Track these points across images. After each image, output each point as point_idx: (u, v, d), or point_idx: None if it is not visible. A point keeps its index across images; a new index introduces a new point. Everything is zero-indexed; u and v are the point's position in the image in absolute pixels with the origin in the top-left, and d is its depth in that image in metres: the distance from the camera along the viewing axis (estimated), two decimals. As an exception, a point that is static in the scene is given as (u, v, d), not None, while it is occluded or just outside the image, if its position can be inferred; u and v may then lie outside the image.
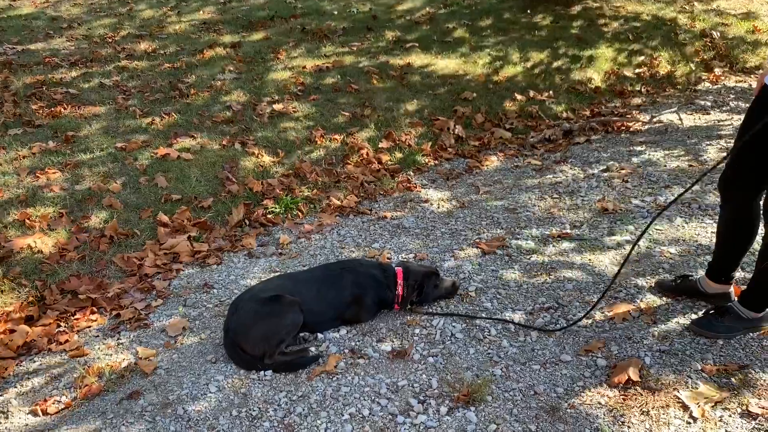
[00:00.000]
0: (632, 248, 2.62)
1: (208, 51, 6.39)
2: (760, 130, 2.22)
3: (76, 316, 3.06)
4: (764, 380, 2.30)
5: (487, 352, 2.56)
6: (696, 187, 3.55)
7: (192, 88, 5.44)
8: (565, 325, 2.68)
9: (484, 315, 2.79)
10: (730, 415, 2.16)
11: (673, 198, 3.07)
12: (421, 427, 2.20)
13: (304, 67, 5.86)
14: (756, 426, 2.11)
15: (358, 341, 2.69)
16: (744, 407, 2.19)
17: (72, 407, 2.44)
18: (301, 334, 2.70)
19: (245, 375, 2.52)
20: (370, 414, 2.27)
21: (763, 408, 2.17)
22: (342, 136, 4.70)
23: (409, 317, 2.82)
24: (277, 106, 5.07)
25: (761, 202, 2.44)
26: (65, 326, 2.99)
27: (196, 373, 2.55)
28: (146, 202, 3.92)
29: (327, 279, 2.78)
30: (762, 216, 2.45)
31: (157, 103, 5.19)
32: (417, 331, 2.73)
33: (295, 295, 2.66)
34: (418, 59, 6.05)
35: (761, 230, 2.51)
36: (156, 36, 7.04)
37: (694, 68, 6.31)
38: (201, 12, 8.06)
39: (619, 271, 2.65)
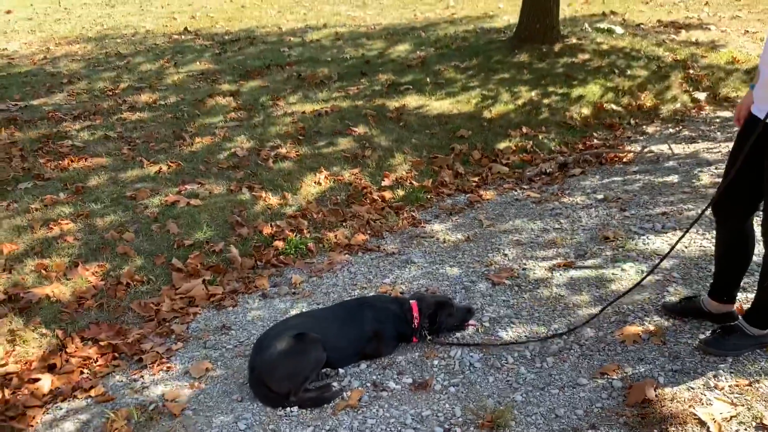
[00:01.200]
0: (640, 281, 2.74)
1: (209, 100, 6.57)
2: (747, 157, 2.37)
3: (98, 363, 3.12)
4: (775, 393, 2.40)
5: (506, 380, 2.65)
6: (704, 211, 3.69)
7: (196, 136, 5.58)
8: (568, 330, 2.78)
9: (499, 344, 2.88)
10: (745, 429, 2.25)
11: (686, 228, 3.19)
12: (450, 454, 2.27)
13: (304, 112, 6.03)
14: (771, 437, 2.20)
15: (379, 374, 2.77)
16: (758, 420, 2.28)
17: (104, 452, 2.49)
18: (324, 370, 2.78)
19: (272, 412, 2.58)
20: (398, 443, 2.34)
21: (777, 419, 2.27)
22: (345, 177, 4.83)
23: (427, 349, 2.90)
24: (281, 151, 5.21)
25: (759, 225, 2.56)
26: (88, 373, 3.05)
27: (224, 412, 2.61)
28: (159, 248, 4.00)
29: (347, 316, 2.87)
30: (762, 237, 2.57)
31: (163, 152, 5.32)
32: (436, 362, 2.81)
33: (317, 332, 2.75)
34: (412, 101, 6.25)
35: (762, 250, 2.63)
36: (156, 87, 7.22)
37: (678, 100, 6.55)
38: (197, 63, 8.28)
39: (629, 290, 2.77)
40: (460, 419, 2.43)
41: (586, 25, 8.97)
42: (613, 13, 10.28)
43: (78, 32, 11.11)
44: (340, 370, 2.81)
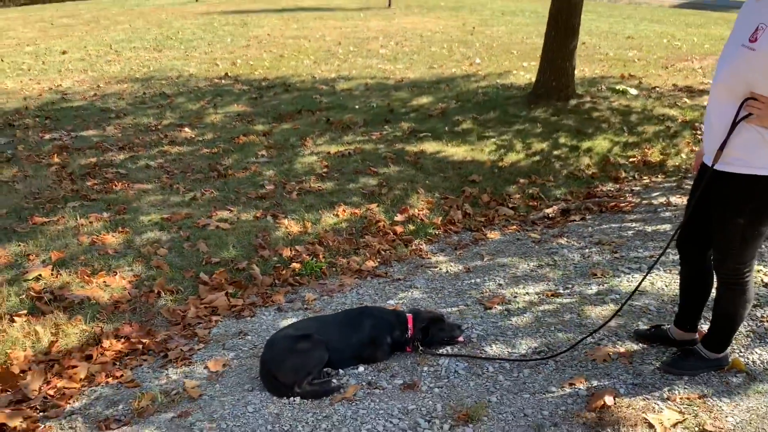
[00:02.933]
0: (614, 315, 3.08)
1: (243, 138, 7.14)
2: (700, 197, 2.74)
3: (128, 356, 3.53)
4: (720, 407, 2.70)
5: (485, 385, 2.99)
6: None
7: (229, 169, 6.11)
8: (548, 356, 3.11)
9: (483, 357, 3.22)
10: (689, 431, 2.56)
11: (652, 264, 3.53)
12: (428, 439, 2.61)
13: (329, 153, 6.54)
14: (710, 441, 2.50)
15: (374, 376, 3.13)
16: (701, 427, 2.59)
17: (130, 424, 2.87)
18: (325, 369, 3.15)
19: (277, 400, 2.95)
20: (384, 430, 2.69)
21: (717, 427, 2.57)
22: (361, 211, 5.27)
23: (418, 358, 3.26)
24: (305, 185, 5.69)
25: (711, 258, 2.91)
26: (119, 364, 3.47)
27: (235, 398, 2.99)
28: (189, 264, 4.46)
29: (349, 322, 3.26)
30: (715, 272, 2.90)
31: (198, 182, 5.84)
32: (425, 368, 3.16)
33: (322, 335, 3.13)
34: (430, 147, 6.73)
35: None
36: (195, 125, 7.83)
37: (684, 157, 6.90)
38: (235, 105, 8.92)
39: (610, 318, 3.13)
40: (440, 413, 2.77)
41: (603, 86, 9.44)
42: (631, 75, 10.75)
43: (126, 73, 11.94)
44: (340, 371, 3.17)
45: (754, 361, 3.05)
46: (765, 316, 3.45)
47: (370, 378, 3.11)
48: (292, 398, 2.95)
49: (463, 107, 8.21)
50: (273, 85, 10.50)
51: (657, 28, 19.69)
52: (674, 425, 2.60)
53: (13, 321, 3.71)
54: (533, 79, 9.73)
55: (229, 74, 11.61)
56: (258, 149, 6.77)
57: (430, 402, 2.87)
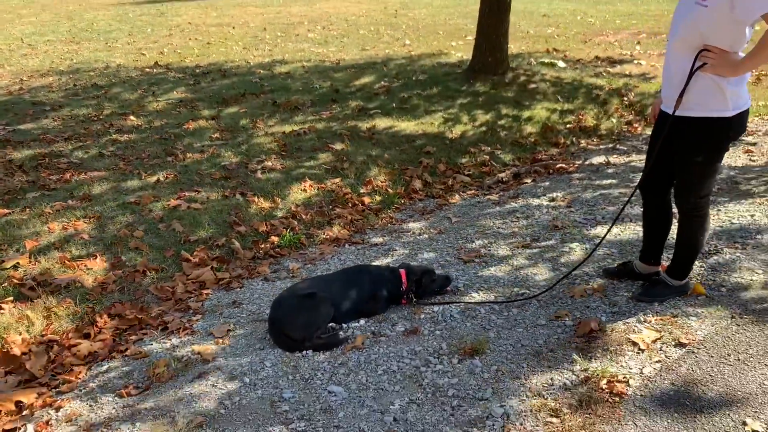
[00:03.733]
0: (588, 255, 3.42)
1: (192, 123, 7.11)
2: (661, 146, 3.09)
3: (127, 332, 3.60)
4: (689, 324, 3.09)
5: (480, 324, 3.26)
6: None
7: (186, 152, 6.11)
8: (533, 295, 3.42)
9: (472, 302, 3.50)
10: (666, 346, 2.92)
11: (619, 211, 3.89)
12: (440, 372, 2.86)
13: (283, 132, 6.64)
14: (686, 350, 2.87)
15: (377, 327, 3.34)
16: (676, 340, 2.96)
17: (150, 389, 2.97)
18: (330, 324, 3.34)
19: (291, 355, 3.12)
20: (399, 368, 2.91)
21: (691, 340, 2.94)
22: (327, 185, 5.44)
23: (414, 308, 3.49)
24: (267, 164, 5.79)
25: (672, 199, 3.28)
26: (120, 340, 3.53)
27: (250, 356, 3.14)
28: (167, 243, 4.50)
29: (348, 279, 3.46)
30: (677, 207, 3.28)
31: (158, 167, 5.82)
32: (422, 316, 3.41)
33: (325, 292, 3.32)
34: (381, 123, 6.95)
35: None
36: (139, 113, 7.71)
37: (615, 121, 7.43)
38: (175, 92, 8.81)
39: (582, 261, 3.46)
40: (446, 350, 3.03)
41: (532, 60, 9.93)
42: (555, 50, 11.32)
43: (48, 66, 11.48)
44: (343, 325, 3.37)
45: (709, 285, 3.47)
46: (716, 248, 3.90)
47: (373, 329, 3.32)
48: (304, 352, 3.12)
49: (405, 85, 8.46)
50: (208, 71, 10.39)
51: (569, 6, 20.58)
52: (654, 341, 2.96)
53: (1, 309, 3.68)
54: (465, 57, 10.10)
55: (159, 63, 11.37)
56: (210, 133, 6.78)
57: (435, 342, 3.12)
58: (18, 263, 4.15)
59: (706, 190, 3.07)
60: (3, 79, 10.37)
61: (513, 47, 11.47)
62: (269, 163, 5.83)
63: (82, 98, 8.69)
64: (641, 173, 3.37)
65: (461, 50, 11.38)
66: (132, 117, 7.48)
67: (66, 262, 4.18)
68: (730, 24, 2.73)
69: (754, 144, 6.46)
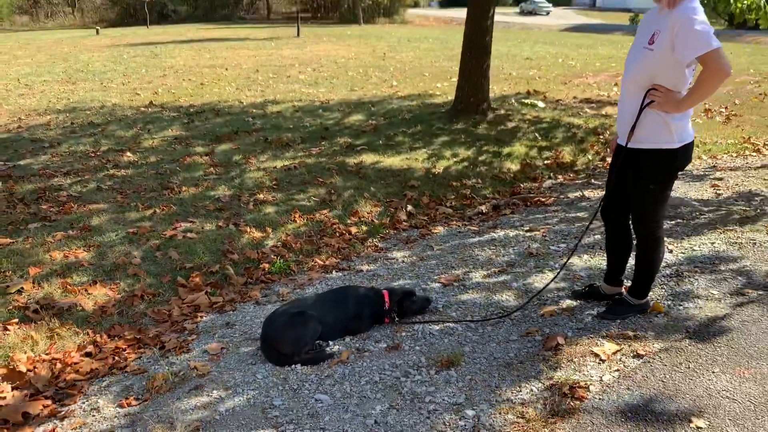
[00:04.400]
0: (556, 275, 3.71)
1: (187, 158, 7.42)
2: (617, 172, 3.42)
3: (126, 350, 3.82)
4: (647, 337, 3.37)
5: (457, 340, 3.52)
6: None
7: (182, 186, 6.40)
8: (506, 313, 3.70)
9: (451, 321, 3.77)
10: (625, 357, 3.19)
11: (577, 239, 4.20)
12: (419, 382, 3.11)
13: (275, 167, 6.97)
14: (643, 360, 3.15)
15: (361, 344, 3.59)
16: (634, 352, 3.23)
17: (150, 400, 3.20)
18: (317, 342, 3.58)
19: (281, 369, 3.36)
20: (380, 379, 3.16)
21: (647, 351, 3.22)
22: (316, 216, 5.73)
23: (396, 327, 3.75)
24: (259, 197, 6.09)
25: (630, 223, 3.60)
26: (120, 358, 3.75)
27: (242, 370, 3.37)
28: (164, 270, 4.76)
29: (335, 299, 3.72)
30: (634, 232, 3.59)
31: (154, 200, 6.10)
32: (404, 333, 3.66)
33: (313, 311, 3.58)
34: (368, 158, 7.29)
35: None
36: (135, 150, 8.03)
37: (590, 158, 7.82)
38: (169, 130, 9.16)
39: (547, 284, 3.74)
40: (425, 363, 3.28)
41: (513, 100, 10.38)
42: (536, 91, 11.82)
43: (46, 105, 11.84)
44: (330, 342, 3.62)
45: (668, 305, 3.76)
46: (677, 272, 4.21)
47: (357, 345, 3.57)
48: (293, 366, 3.36)
49: (391, 123, 8.85)
50: (202, 110, 10.78)
51: (551, 49, 21.33)
52: (614, 353, 3.23)
53: (6, 329, 3.91)
54: (449, 98, 10.55)
55: (154, 102, 11.76)
56: (204, 168, 7.08)
57: (414, 357, 3.37)
58: (22, 288, 4.38)
59: (659, 216, 3.39)
60: (2, 118, 10.70)
61: (496, 88, 11.97)
62: (261, 196, 6.12)
63: (80, 135, 9.01)
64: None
65: (446, 91, 11.84)
66: (128, 153, 7.79)
67: (67, 287, 4.42)
68: (673, 65, 3.08)
69: (721, 179, 6.83)
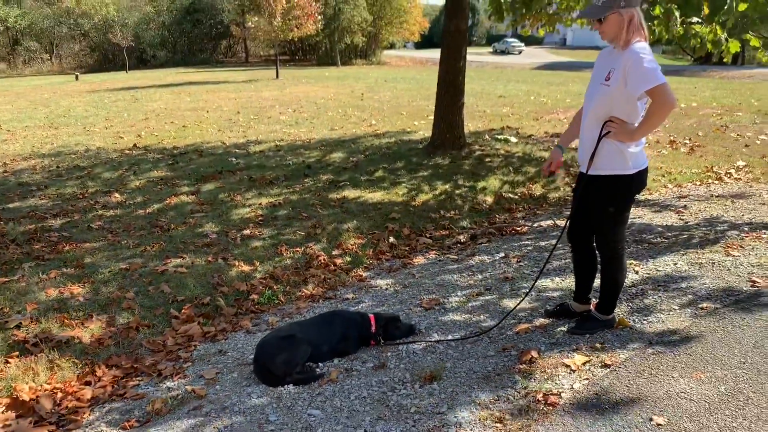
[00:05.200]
0: (528, 292, 3.99)
1: (173, 198, 7.66)
2: (579, 198, 3.74)
3: (125, 379, 4.00)
4: (614, 349, 3.64)
5: (439, 358, 3.77)
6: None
7: (170, 224, 6.63)
8: (484, 331, 3.96)
9: (433, 341, 4.02)
10: (593, 367, 3.46)
11: (551, 251, 4.50)
12: (404, 395, 3.34)
13: (260, 204, 7.22)
14: (610, 369, 3.42)
15: (349, 364, 3.82)
16: (602, 362, 3.50)
17: (152, 422, 3.39)
18: (308, 363, 3.80)
19: (274, 389, 3.57)
20: (368, 394, 3.39)
21: (614, 361, 3.50)
22: (302, 249, 5.98)
23: (382, 348, 3.99)
24: (246, 232, 6.33)
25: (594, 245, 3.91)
26: (118, 386, 3.93)
27: (238, 391, 3.58)
28: (157, 303, 4.96)
29: (324, 323, 3.96)
30: (598, 253, 3.90)
31: (144, 238, 6.32)
32: (389, 354, 3.90)
33: (303, 335, 3.81)
34: (351, 193, 7.59)
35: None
36: (122, 191, 8.25)
37: (561, 189, 8.19)
38: (155, 171, 9.39)
39: (520, 301, 4.02)
40: (409, 379, 3.52)
41: (488, 136, 10.81)
42: (509, 127, 12.29)
43: (30, 150, 12.03)
44: (320, 364, 3.84)
45: (633, 320, 4.05)
46: (642, 290, 4.51)
47: (345, 366, 3.80)
48: (285, 386, 3.58)
49: (372, 160, 9.19)
50: (185, 152, 11.04)
51: (523, 87, 22.04)
52: (584, 364, 3.50)
53: (8, 362, 4.07)
54: (426, 134, 10.96)
55: (138, 145, 12.01)
56: (191, 207, 7.32)
57: (399, 374, 3.61)
58: (20, 323, 4.55)
59: (620, 236, 3.70)
60: (-14, 163, 10.84)
61: (471, 125, 12.42)
62: (248, 232, 6.37)
63: (66, 179, 9.21)
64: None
65: (423, 128, 12.27)
66: (116, 194, 8.01)
67: (65, 321, 4.60)
68: (626, 99, 3.44)
69: (685, 206, 7.23)
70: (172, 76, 33.56)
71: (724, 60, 10.28)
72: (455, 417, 3.07)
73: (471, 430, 2.96)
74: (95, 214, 7.20)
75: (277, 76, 30.18)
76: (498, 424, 2.98)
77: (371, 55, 54.47)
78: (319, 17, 33.54)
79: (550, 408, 3.08)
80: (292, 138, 11.95)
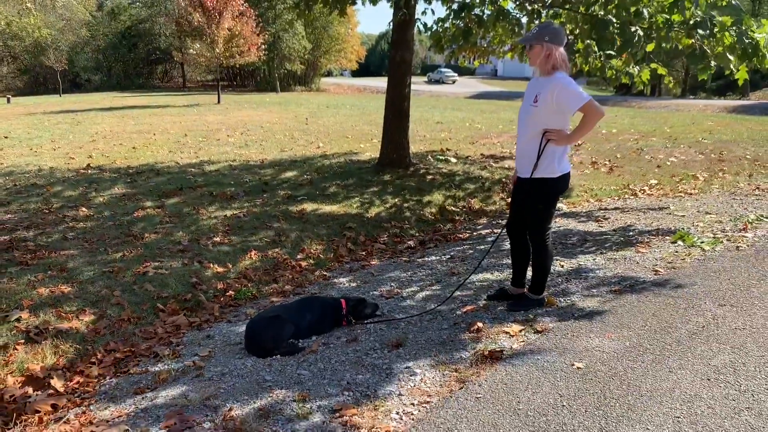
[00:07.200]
0: (474, 269, 4.79)
1: (141, 211, 8.14)
2: (516, 200, 4.59)
3: (124, 361, 4.55)
4: (544, 321, 4.47)
5: (402, 331, 4.51)
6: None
7: (144, 233, 7.14)
8: (438, 304, 4.73)
9: (394, 319, 4.75)
10: (527, 333, 4.28)
11: (492, 241, 5.32)
12: (376, 357, 4.05)
13: (225, 216, 7.81)
14: (541, 334, 4.24)
15: (326, 339, 4.51)
16: (534, 329, 4.32)
17: (158, 387, 3.97)
18: (291, 340, 4.47)
19: (265, 359, 4.21)
20: (347, 359, 4.08)
21: (543, 328, 4.32)
22: (269, 253, 6.62)
23: (352, 327, 4.69)
24: (215, 239, 6.92)
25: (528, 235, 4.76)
26: (121, 365, 4.47)
27: (233, 362, 4.20)
28: (143, 299, 5.49)
29: (304, 306, 4.63)
30: (530, 242, 4.74)
31: (120, 245, 6.80)
32: (359, 330, 4.61)
33: (287, 315, 4.48)
34: (309, 207, 8.28)
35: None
36: (88, 206, 8.64)
37: (497, 203, 9.13)
38: (116, 188, 9.80)
39: (468, 275, 4.82)
40: (379, 347, 4.23)
41: (429, 157, 11.71)
42: (447, 149, 13.26)
43: (-22, 170, 12.08)
44: (301, 341, 4.51)
45: (560, 300, 4.91)
46: (567, 279, 5.39)
47: (323, 341, 4.49)
48: (273, 357, 4.23)
49: (325, 177, 9.91)
50: (141, 171, 11.45)
51: (459, 114, 23.29)
52: (520, 331, 4.31)
53: (16, 348, 4.55)
54: (373, 155, 11.77)
55: (92, 165, 12.29)
56: (160, 218, 7.83)
57: (370, 344, 4.32)
58: (20, 317, 5.01)
59: (546, 228, 4.57)
60: (-63, 183, 10.90)
61: (413, 147, 13.31)
62: (218, 239, 6.96)
63: (27, 195, 9.49)
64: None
65: (369, 150, 13.09)
66: (83, 208, 8.41)
67: (61, 315, 5.09)
68: (556, 114, 4.31)
69: (604, 217, 8.26)
70: (110, 100, 33.38)
71: (639, 89, 11.53)
72: (420, 369, 3.81)
73: (433, 376, 3.71)
74: (67, 225, 7.59)
75: (219, 101, 30.56)
76: (455, 373, 3.74)
77: (310, 82, 55.39)
78: (263, 46, 34.22)
79: (495, 360, 3.86)
80: (245, 158, 12.53)
